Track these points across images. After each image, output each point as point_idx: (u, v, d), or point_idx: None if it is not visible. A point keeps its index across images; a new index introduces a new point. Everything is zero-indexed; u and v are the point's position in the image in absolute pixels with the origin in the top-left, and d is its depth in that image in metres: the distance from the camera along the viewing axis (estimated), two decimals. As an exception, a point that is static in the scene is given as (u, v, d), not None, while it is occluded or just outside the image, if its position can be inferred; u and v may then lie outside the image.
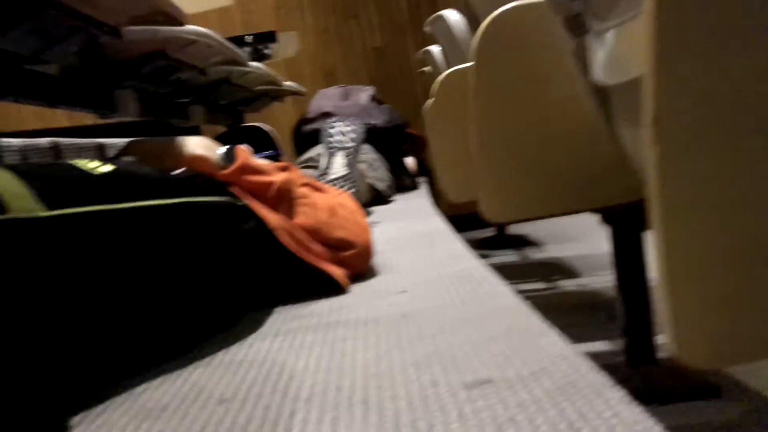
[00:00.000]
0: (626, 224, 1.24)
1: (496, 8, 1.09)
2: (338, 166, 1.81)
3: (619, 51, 0.76)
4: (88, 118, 3.32)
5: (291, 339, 0.80)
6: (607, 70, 0.80)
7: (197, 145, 1.02)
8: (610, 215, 1.27)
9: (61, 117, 3.48)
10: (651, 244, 0.53)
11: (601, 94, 0.89)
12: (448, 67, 1.75)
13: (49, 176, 0.71)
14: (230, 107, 2.71)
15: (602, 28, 0.81)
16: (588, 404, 0.51)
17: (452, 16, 1.87)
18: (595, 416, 0.49)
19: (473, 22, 1.50)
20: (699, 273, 0.45)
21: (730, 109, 0.44)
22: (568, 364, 0.59)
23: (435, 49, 2.47)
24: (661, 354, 1.35)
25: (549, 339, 0.66)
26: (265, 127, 2.38)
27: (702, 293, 0.45)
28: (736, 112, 0.44)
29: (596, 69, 0.85)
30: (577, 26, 0.89)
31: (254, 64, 2.20)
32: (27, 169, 0.69)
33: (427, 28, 2.28)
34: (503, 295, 0.85)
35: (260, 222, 0.95)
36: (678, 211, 0.45)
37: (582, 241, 2.76)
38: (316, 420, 0.56)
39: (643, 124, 0.46)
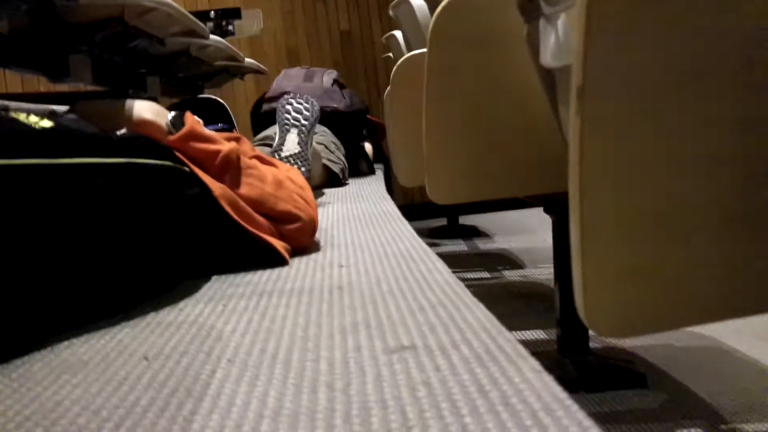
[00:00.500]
0: (567, 214, 1.27)
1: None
2: (291, 143, 1.80)
3: (566, 34, 0.78)
4: (41, 86, 3.25)
5: (223, 305, 0.80)
6: (555, 53, 0.82)
7: (146, 108, 1.01)
8: (552, 205, 1.30)
9: (12, 86, 3.40)
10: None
11: (549, 78, 0.91)
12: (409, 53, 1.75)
13: None
14: (189, 81, 2.68)
15: (553, 11, 0.83)
16: (500, 371, 0.52)
17: (416, 0, 1.88)
18: (505, 381, 0.50)
19: (435, 7, 1.51)
20: (609, 243, 0.47)
21: (648, 84, 0.46)
22: (488, 335, 0.60)
23: (398, 35, 2.48)
24: (593, 344, 1.39)
25: (475, 313, 0.68)
26: (221, 100, 2.35)
27: (611, 263, 0.47)
28: (654, 88, 0.46)
29: (545, 53, 0.87)
30: (530, 10, 0.91)
31: (215, 37, 2.17)
32: None
33: (391, 12, 2.28)
34: (439, 272, 0.87)
35: (204, 189, 0.94)
36: (593, 181, 0.46)
37: (530, 234, 2.80)
38: (235, 378, 0.56)
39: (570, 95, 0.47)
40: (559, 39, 0.84)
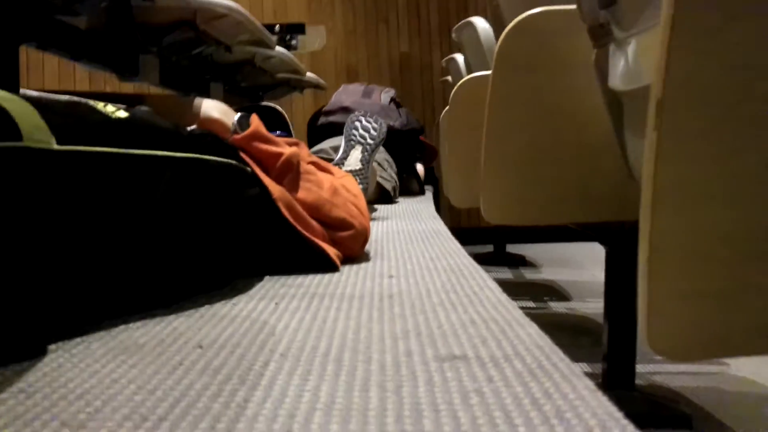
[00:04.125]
0: (622, 246, 1.25)
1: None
2: (354, 160, 1.82)
3: (637, 58, 0.78)
4: (107, 86, 3.35)
5: (276, 303, 0.81)
6: (624, 77, 0.82)
7: (214, 107, 1.04)
8: (607, 235, 1.28)
9: (80, 84, 3.52)
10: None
11: (616, 103, 0.91)
12: (469, 75, 1.76)
13: (67, 113, 0.72)
14: (250, 90, 2.73)
15: (625, 36, 0.82)
16: (554, 386, 0.51)
17: (481, 23, 1.89)
18: (560, 397, 0.49)
19: (500, 31, 1.52)
20: (678, 264, 0.46)
21: (730, 104, 0.45)
22: (541, 352, 0.60)
23: (458, 58, 2.49)
24: (639, 381, 1.36)
25: (527, 330, 0.67)
26: (280, 108, 2.39)
27: (679, 284, 0.46)
28: (736, 109, 0.45)
29: (614, 77, 0.86)
30: (601, 35, 0.91)
31: (280, 49, 2.22)
32: (47, 104, 0.69)
33: (453, 35, 2.29)
34: (489, 289, 0.86)
35: (264, 190, 0.96)
36: (665, 200, 0.46)
37: (579, 268, 2.76)
38: (288, 371, 0.56)
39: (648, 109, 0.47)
40: (629, 63, 0.84)
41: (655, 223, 0.46)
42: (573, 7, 0.99)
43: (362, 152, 1.83)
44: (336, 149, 1.97)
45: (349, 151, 1.84)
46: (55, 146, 0.64)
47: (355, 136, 1.85)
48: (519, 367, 0.56)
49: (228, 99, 2.51)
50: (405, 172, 2.61)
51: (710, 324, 0.47)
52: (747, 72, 0.46)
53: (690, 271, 0.47)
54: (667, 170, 0.46)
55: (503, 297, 0.83)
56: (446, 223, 1.91)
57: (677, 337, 0.47)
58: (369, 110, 2.33)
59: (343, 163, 1.81)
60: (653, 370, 1.49)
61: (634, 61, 0.83)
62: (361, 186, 1.75)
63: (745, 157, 0.46)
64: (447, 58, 2.86)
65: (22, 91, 1.71)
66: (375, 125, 1.87)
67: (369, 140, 1.84)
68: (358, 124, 1.86)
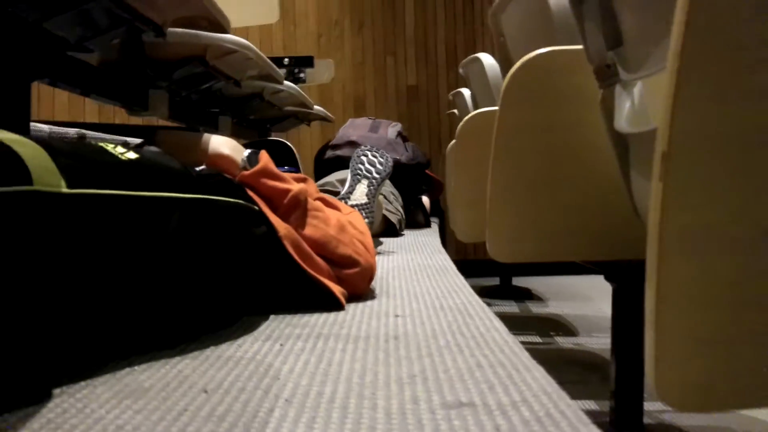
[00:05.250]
0: (629, 283, 1.24)
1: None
2: (360, 194, 1.83)
3: (643, 101, 0.78)
4: (116, 118, 3.39)
5: (281, 344, 0.80)
6: (631, 119, 0.82)
7: (223, 144, 1.04)
8: (614, 272, 1.28)
9: (89, 116, 3.56)
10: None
11: (622, 144, 0.91)
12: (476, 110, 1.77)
13: (76, 154, 0.73)
14: (258, 123, 2.75)
15: (631, 78, 0.83)
16: (562, 437, 0.51)
17: (487, 59, 1.90)
18: (567, 449, 0.49)
19: (507, 67, 1.53)
20: (686, 313, 0.46)
21: (736, 156, 0.45)
22: (548, 398, 0.59)
23: (465, 92, 2.51)
24: (648, 420, 1.34)
25: (534, 374, 0.67)
26: (289, 143, 2.41)
27: (688, 333, 0.46)
28: (743, 160, 0.45)
29: (620, 118, 0.87)
30: (607, 76, 0.91)
31: (288, 83, 2.24)
32: (56, 145, 0.70)
33: (461, 70, 2.31)
34: (496, 330, 0.86)
35: (270, 228, 0.96)
36: (672, 248, 0.46)
37: (585, 301, 2.75)
38: (293, 418, 0.56)
39: (654, 160, 0.47)
40: (635, 105, 0.84)
41: (662, 271, 0.46)
42: (580, 47, 1.00)
43: (368, 186, 1.84)
44: (342, 182, 1.98)
45: (355, 185, 1.85)
46: (65, 189, 0.65)
47: (361, 170, 1.86)
48: (526, 415, 0.56)
49: (236, 132, 2.53)
50: (411, 205, 2.62)
51: (722, 375, 0.47)
52: (754, 125, 0.46)
53: (699, 321, 0.47)
54: (673, 220, 0.46)
55: (510, 338, 0.82)
56: (452, 255, 1.91)
57: (687, 387, 0.47)
58: (376, 144, 2.35)
59: (349, 197, 1.82)
60: (662, 408, 1.47)
61: (640, 103, 0.83)
62: (366, 220, 1.75)
63: (755, 209, 0.46)
64: (454, 91, 2.89)
65: (32, 125, 1.73)
66: (381, 159, 1.88)
67: (375, 174, 1.85)
68: (364, 158, 1.87)
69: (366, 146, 1.94)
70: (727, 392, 0.48)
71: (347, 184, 1.84)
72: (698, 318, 0.47)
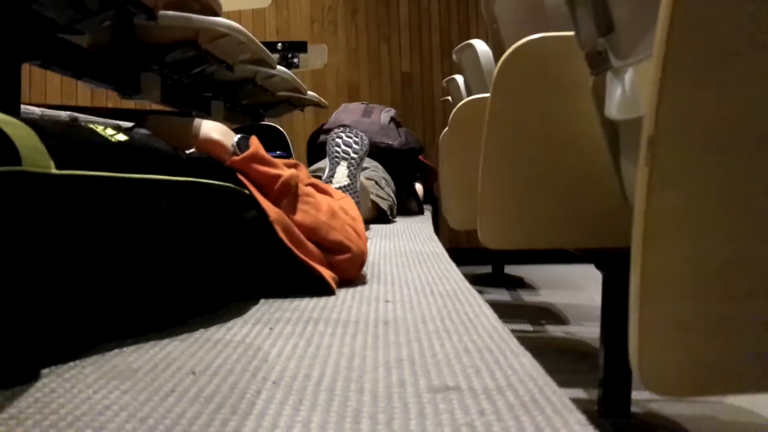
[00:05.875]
0: (619, 271, 1.25)
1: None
2: (341, 176, 1.83)
3: (633, 88, 0.78)
4: (108, 102, 3.37)
5: (270, 328, 0.81)
6: (621, 106, 0.82)
7: (213, 129, 1.04)
8: (604, 261, 1.28)
9: (81, 99, 3.54)
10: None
11: (612, 131, 0.91)
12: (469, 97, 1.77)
13: (66, 136, 0.72)
14: (251, 108, 2.74)
15: (622, 65, 0.83)
16: (546, 420, 0.51)
17: (480, 46, 1.90)
18: (551, 431, 0.49)
19: (500, 54, 1.53)
20: (670, 297, 0.46)
21: (723, 141, 0.45)
22: (534, 383, 0.60)
23: (459, 79, 2.50)
24: (636, 409, 1.35)
25: (521, 360, 0.67)
26: (280, 128, 2.41)
27: (671, 317, 0.46)
28: (729, 145, 0.46)
29: (611, 105, 0.87)
30: (599, 62, 0.91)
31: (281, 68, 2.23)
32: (46, 127, 0.70)
33: (454, 56, 2.31)
34: (484, 315, 0.86)
35: (261, 212, 0.96)
36: (657, 233, 0.46)
37: (577, 290, 2.76)
38: (279, 400, 0.56)
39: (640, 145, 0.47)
40: (625, 92, 0.84)
41: (647, 256, 0.47)
42: (571, 33, 1.00)
43: (348, 167, 1.84)
44: (326, 167, 1.98)
45: (335, 168, 1.85)
46: (54, 170, 0.65)
47: (338, 153, 1.86)
48: (511, 399, 0.56)
49: (229, 117, 2.52)
50: (404, 192, 2.62)
51: (704, 360, 0.47)
52: (741, 108, 0.46)
53: (682, 306, 0.47)
54: (659, 205, 0.46)
55: (498, 324, 0.83)
56: (445, 243, 1.91)
57: (670, 372, 0.47)
58: (368, 129, 2.34)
59: (330, 181, 1.82)
60: (650, 397, 1.49)
61: (630, 90, 0.83)
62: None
63: (740, 192, 0.46)
64: (447, 78, 2.88)
65: (23, 107, 1.72)
66: (356, 139, 1.88)
67: (352, 154, 1.86)
68: (339, 140, 1.88)
69: (339, 129, 1.94)
70: (710, 378, 0.48)
71: (327, 168, 1.84)
72: (682, 303, 0.47)
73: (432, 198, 3.08)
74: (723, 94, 0.46)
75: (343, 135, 1.88)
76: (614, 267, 1.27)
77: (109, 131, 0.77)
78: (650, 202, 0.46)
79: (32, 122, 0.68)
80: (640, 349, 0.46)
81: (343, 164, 1.80)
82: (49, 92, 3.56)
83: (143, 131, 0.93)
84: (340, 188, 1.75)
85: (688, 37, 0.45)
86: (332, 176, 1.80)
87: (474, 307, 0.92)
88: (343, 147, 1.84)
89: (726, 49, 0.46)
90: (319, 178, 1.95)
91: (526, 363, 0.66)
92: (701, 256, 0.46)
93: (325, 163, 2.19)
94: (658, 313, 0.47)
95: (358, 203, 1.73)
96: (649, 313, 0.46)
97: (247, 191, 0.96)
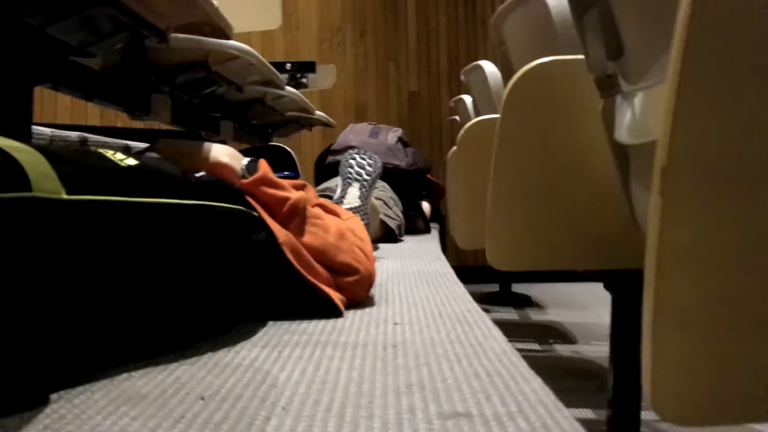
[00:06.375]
0: (628, 292, 1.24)
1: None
2: (352, 197, 1.83)
3: (643, 112, 0.78)
4: (118, 121, 3.39)
5: (279, 351, 0.80)
6: (631, 130, 0.82)
7: (222, 152, 1.05)
8: (613, 282, 1.28)
9: (92, 119, 3.56)
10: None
11: (622, 155, 0.91)
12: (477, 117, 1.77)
13: (76, 161, 0.73)
14: (260, 128, 2.76)
15: (632, 89, 0.83)
16: (558, 449, 0.51)
17: (489, 67, 1.91)
18: (562, 461, 0.49)
19: (508, 75, 1.53)
20: (683, 329, 0.46)
21: (738, 171, 0.45)
22: (545, 409, 0.59)
23: (467, 99, 2.51)
24: (645, 429, 1.34)
25: (531, 385, 0.67)
26: (288, 148, 2.42)
27: (683, 349, 0.46)
28: (744, 176, 0.45)
29: (620, 129, 0.87)
30: (608, 86, 0.92)
31: (290, 89, 2.24)
32: (56, 152, 0.70)
33: (462, 77, 2.32)
34: (494, 339, 0.86)
35: (270, 235, 0.96)
36: (670, 263, 0.46)
37: (585, 309, 2.74)
38: (290, 427, 0.56)
39: (653, 174, 0.47)
40: (635, 116, 0.84)
41: (660, 286, 0.46)
42: (581, 56, 1.00)
43: (360, 188, 1.84)
44: (337, 187, 1.98)
45: (347, 188, 1.86)
46: (64, 196, 0.65)
47: (351, 173, 1.87)
48: (523, 426, 0.56)
49: (237, 136, 2.54)
50: (411, 211, 2.62)
51: (717, 390, 0.47)
52: (755, 140, 0.46)
53: (696, 336, 0.47)
54: (673, 235, 0.46)
55: (508, 347, 0.82)
56: (452, 261, 1.91)
57: (683, 401, 0.47)
58: (375, 150, 2.35)
59: (342, 201, 1.83)
60: (659, 418, 1.47)
61: (641, 114, 0.83)
62: (363, 222, 1.76)
63: (754, 224, 0.46)
64: (455, 98, 2.89)
65: (34, 128, 1.73)
66: (370, 161, 1.89)
67: (365, 176, 1.86)
68: (353, 161, 1.88)
69: (354, 150, 1.95)
70: (722, 408, 0.48)
71: (339, 189, 1.85)
72: (696, 334, 0.47)
73: (439, 216, 3.08)
74: (737, 120, 0.46)
75: (357, 156, 1.88)
76: (623, 288, 1.26)
77: (119, 156, 0.77)
78: (663, 231, 0.46)
79: (42, 148, 0.69)
80: (653, 379, 0.46)
81: (356, 185, 1.81)
82: (59, 111, 3.59)
83: (153, 155, 0.94)
84: (350, 209, 1.76)
85: (701, 65, 0.45)
86: (343, 197, 1.80)
87: (483, 329, 0.92)
88: (356, 168, 1.84)
89: (741, 76, 0.47)
90: (328, 197, 1.96)
91: (537, 388, 0.66)
92: (714, 287, 0.46)
93: (332, 183, 2.20)
94: (672, 343, 0.46)
95: (367, 225, 1.73)
96: (662, 343, 0.46)
97: (256, 213, 0.96)
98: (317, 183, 2.49)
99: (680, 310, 0.46)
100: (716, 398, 0.47)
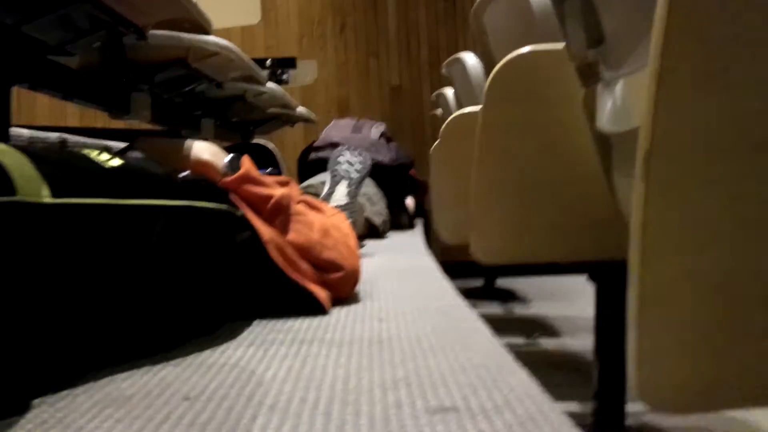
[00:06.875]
0: (611, 282, 1.25)
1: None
2: (340, 195, 1.83)
3: (625, 100, 0.78)
4: (97, 121, 3.36)
5: (264, 350, 0.80)
6: (612, 118, 0.82)
7: (204, 149, 1.04)
8: (597, 272, 1.28)
9: (71, 119, 3.53)
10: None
11: (604, 143, 0.91)
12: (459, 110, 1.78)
13: (60, 162, 0.72)
14: (241, 125, 2.74)
15: (613, 77, 0.83)
16: (545, 441, 0.51)
17: (470, 59, 1.91)
18: (549, 453, 0.49)
19: (489, 66, 1.53)
20: (668, 314, 0.46)
21: (720, 154, 0.46)
22: (532, 401, 0.59)
23: (448, 92, 2.51)
24: (630, 421, 1.35)
25: (517, 377, 0.67)
26: (269, 145, 2.40)
27: (669, 334, 0.46)
28: (726, 158, 0.46)
29: (602, 117, 0.87)
30: (589, 75, 0.92)
31: (271, 85, 2.23)
32: (39, 153, 0.69)
33: (444, 70, 2.32)
34: (479, 332, 0.86)
35: (254, 233, 0.96)
36: (654, 248, 0.46)
37: (569, 301, 2.76)
38: (276, 426, 0.56)
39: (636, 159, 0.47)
40: (616, 104, 0.85)
41: (645, 271, 0.46)
42: (562, 45, 1.00)
43: (348, 186, 1.84)
44: (325, 184, 1.98)
45: (335, 186, 1.85)
46: (48, 199, 0.64)
47: (339, 171, 1.86)
48: (510, 419, 0.56)
49: (219, 134, 2.52)
50: (395, 207, 2.62)
51: (703, 376, 0.47)
52: (736, 119, 0.46)
53: (681, 321, 0.47)
54: (656, 220, 0.46)
55: (494, 341, 0.82)
56: (437, 257, 1.91)
57: (669, 389, 0.47)
58: (358, 145, 2.34)
59: (329, 198, 1.82)
60: (644, 409, 1.48)
61: (622, 102, 0.83)
62: (349, 220, 1.75)
63: (737, 205, 0.46)
64: (437, 92, 2.89)
65: (12, 129, 1.71)
66: (359, 158, 1.88)
67: (354, 174, 1.85)
68: (342, 158, 1.88)
69: (344, 146, 1.94)
70: (709, 393, 0.48)
71: (327, 186, 1.84)
72: (681, 318, 0.47)
73: (423, 212, 3.08)
74: (718, 104, 0.47)
75: (347, 153, 1.88)
76: (607, 278, 1.27)
77: (104, 156, 0.77)
78: (647, 216, 0.46)
79: (26, 149, 0.68)
80: (639, 367, 0.46)
81: (344, 183, 1.80)
82: (37, 112, 3.55)
83: (137, 154, 0.93)
84: (338, 207, 1.75)
85: (683, 48, 0.45)
86: (331, 194, 1.80)
87: (469, 323, 0.92)
88: (345, 166, 1.84)
89: (721, 59, 0.47)
90: (313, 195, 1.95)
91: (523, 380, 0.66)
92: (699, 271, 0.46)
93: (316, 180, 2.19)
94: (657, 329, 0.47)
95: (353, 223, 1.73)
96: (647, 330, 0.46)
97: (240, 212, 0.95)
98: (301, 180, 2.48)
99: (665, 295, 0.47)
100: (704, 384, 0.47)
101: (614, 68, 0.85)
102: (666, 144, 0.48)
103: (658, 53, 0.48)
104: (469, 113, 1.67)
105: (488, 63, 1.73)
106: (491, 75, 1.16)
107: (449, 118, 1.70)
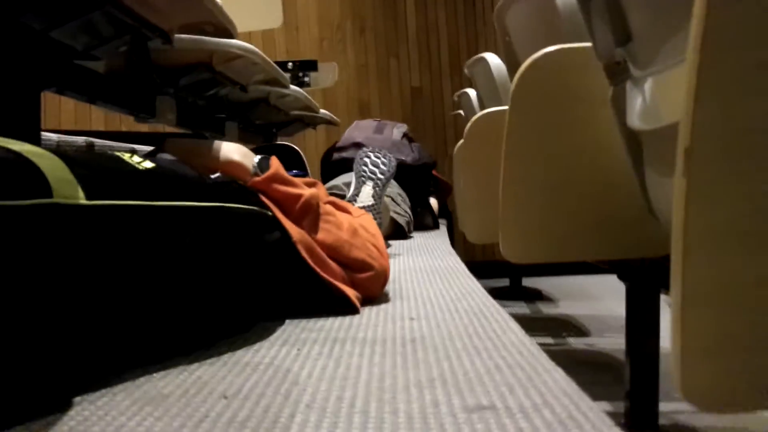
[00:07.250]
0: (643, 281, 1.24)
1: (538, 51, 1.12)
2: (366, 195, 1.83)
3: (655, 97, 0.78)
4: (122, 125, 3.39)
5: (298, 349, 0.80)
6: (643, 116, 0.81)
7: (234, 150, 1.04)
8: (627, 271, 1.27)
9: (96, 123, 3.56)
10: (664, 304, 0.53)
11: (634, 141, 0.91)
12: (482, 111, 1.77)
13: (93, 165, 0.73)
14: (264, 128, 2.76)
15: (642, 75, 0.82)
16: (587, 439, 0.51)
17: (493, 59, 1.90)
18: (593, 450, 0.48)
19: (513, 67, 1.52)
20: (712, 313, 0.46)
21: (761, 148, 0.45)
22: (570, 400, 0.59)
23: (471, 93, 2.50)
24: (663, 421, 1.33)
25: (553, 376, 0.66)
26: (297, 147, 2.41)
27: (712, 334, 0.46)
28: (765, 154, 0.45)
29: (632, 115, 0.86)
30: (617, 73, 0.91)
31: (294, 87, 2.24)
32: (74, 156, 0.70)
33: (466, 70, 2.31)
34: (512, 332, 0.85)
35: (284, 233, 0.96)
36: (697, 247, 0.45)
37: (597, 301, 2.74)
38: (314, 423, 0.56)
39: (677, 156, 0.47)
40: (646, 102, 0.84)
41: (687, 270, 0.46)
42: (588, 44, 1.00)
43: (373, 187, 1.84)
44: (349, 185, 1.98)
45: (361, 187, 1.85)
46: (84, 201, 0.65)
47: (365, 172, 1.86)
48: (549, 418, 0.55)
49: (242, 137, 2.53)
50: (419, 207, 2.62)
51: (746, 375, 0.46)
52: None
53: (724, 320, 0.46)
54: (699, 216, 0.46)
55: (527, 340, 0.82)
56: (461, 257, 1.91)
57: (712, 388, 0.46)
58: (381, 146, 2.35)
59: (355, 200, 1.82)
60: (677, 409, 1.47)
61: (651, 99, 0.83)
62: (376, 221, 1.75)
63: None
64: (459, 92, 2.88)
65: (44, 135, 1.73)
66: (384, 160, 1.88)
67: (379, 175, 1.85)
68: (367, 159, 1.88)
69: (369, 148, 1.94)
70: (752, 393, 0.47)
71: (352, 187, 1.84)
72: (724, 318, 0.47)
73: (446, 212, 3.08)
74: (759, 102, 0.46)
75: (371, 154, 1.88)
76: (638, 277, 1.26)
77: (136, 158, 0.77)
78: (689, 214, 0.45)
79: (60, 152, 0.68)
80: (682, 366, 0.45)
81: (369, 184, 1.80)
82: (63, 117, 3.59)
83: (168, 156, 0.94)
84: (363, 207, 1.75)
85: (722, 44, 0.45)
86: (357, 195, 1.80)
87: (500, 323, 0.91)
88: (370, 167, 1.84)
89: (762, 54, 0.46)
90: (337, 195, 1.96)
91: (559, 379, 0.65)
92: (744, 269, 0.45)
93: (339, 181, 2.19)
94: (701, 328, 0.46)
95: (380, 224, 1.73)
96: (690, 329, 0.46)
97: (270, 213, 0.96)
98: (324, 181, 2.48)
99: (709, 292, 0.46)
100: (751, 382, 0.46)
101: (643, 66, 0.84)
102: (707, 140, 0.48)
103: (698, 46, 0.48)
104: (494, 113, 1.66)
105: (512, 64, 1.72)
106: (518, 74, 1.15)
107: (473, 118, 1.70)
